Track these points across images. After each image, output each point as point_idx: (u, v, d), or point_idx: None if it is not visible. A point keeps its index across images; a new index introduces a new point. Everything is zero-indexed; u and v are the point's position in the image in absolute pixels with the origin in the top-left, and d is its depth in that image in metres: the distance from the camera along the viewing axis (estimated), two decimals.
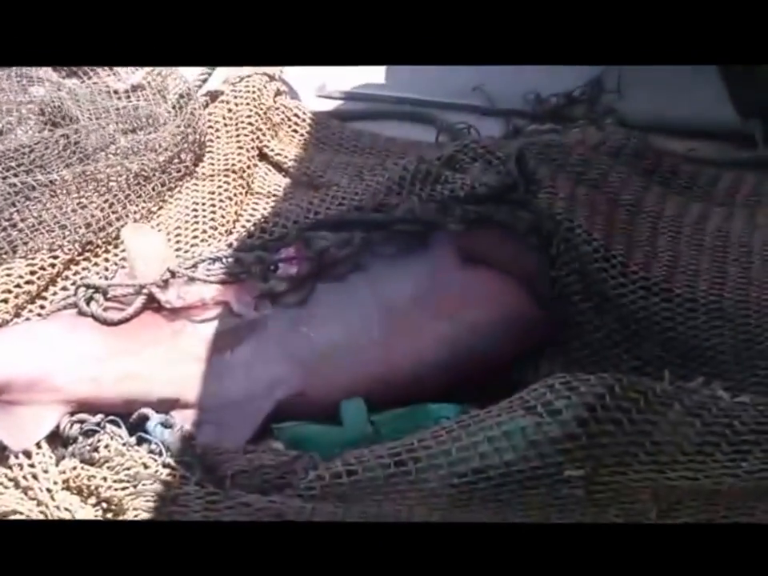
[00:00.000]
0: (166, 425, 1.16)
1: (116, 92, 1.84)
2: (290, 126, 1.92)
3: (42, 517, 1.04)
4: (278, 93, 1.94)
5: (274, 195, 1.76)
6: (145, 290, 1.25)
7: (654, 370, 1.30)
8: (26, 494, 1.07)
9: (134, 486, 1.04)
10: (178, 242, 1.57)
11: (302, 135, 1.91)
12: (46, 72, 1.82)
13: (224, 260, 1.32)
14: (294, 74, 2.11)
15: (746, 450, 0.95)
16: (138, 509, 1.02)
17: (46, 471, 1.07)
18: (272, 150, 1.84)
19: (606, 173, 1.51)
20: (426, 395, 1.23)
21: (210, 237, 1.59)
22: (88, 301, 1.24)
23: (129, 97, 1.83)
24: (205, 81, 1.96)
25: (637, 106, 2.16)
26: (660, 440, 0.98)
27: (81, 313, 1.24)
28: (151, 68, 1.88)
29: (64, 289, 1.39)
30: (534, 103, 2.13)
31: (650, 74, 2.35)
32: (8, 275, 1.38)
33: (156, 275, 1.27)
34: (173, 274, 1.27)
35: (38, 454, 1.10)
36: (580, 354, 1.36)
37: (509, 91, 2.18)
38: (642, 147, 1.64)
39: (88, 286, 1.26)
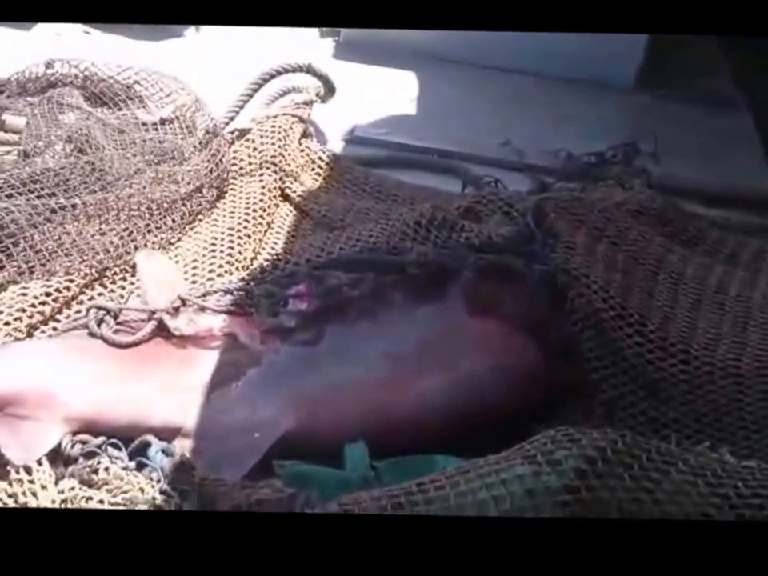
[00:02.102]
0: (166, 452, 1.22)
1: (144, 124, 1.96)
2: (313, 169, 2.03)
3: None
4: (304, 135, 2.05)
5: (294, 236, 1.85)
6: (156, 316, 1.33)
7: (669, 433, 1.35)
8: None
9: None
10: (194, 275, 1.65)
11: (324, 179, 2.01)
12: (77, 100, 1.95)
13: (235, 292, 1.40)
14: (323, 118, 2.24)
15: (750, 514, 0.99)
16: None
17: (44, 488, 1.13)
18: (294, 192, 1.94)
19: (628, 231, 1.58)
20: (427, 441, 1.27)
21: (226, 272, 1.67)
22: (99, 322, 1.32)
23: (156, 130, 1.95)
24: (232, 118, 2.08)
25: (671, 170, 2.25)
26: (662, 498, 1.02)
27: (91, 334, 1.32)
28: (181, 103, 2.02)
29: (78, 312, 1.47)
30: (564, 161, 2.23)
31: (688, 138, 2.46)
32: (23, 295, 1.46)
33: (167, 302, 1.35)
34: (183, 302, 1.35)
35: (38, 470, 1.15)
36: (593, 412, 1.41)
37: (541, 148, 2.29)
38: (667, 209, 1.72)
39: (100, 308, 1.34)
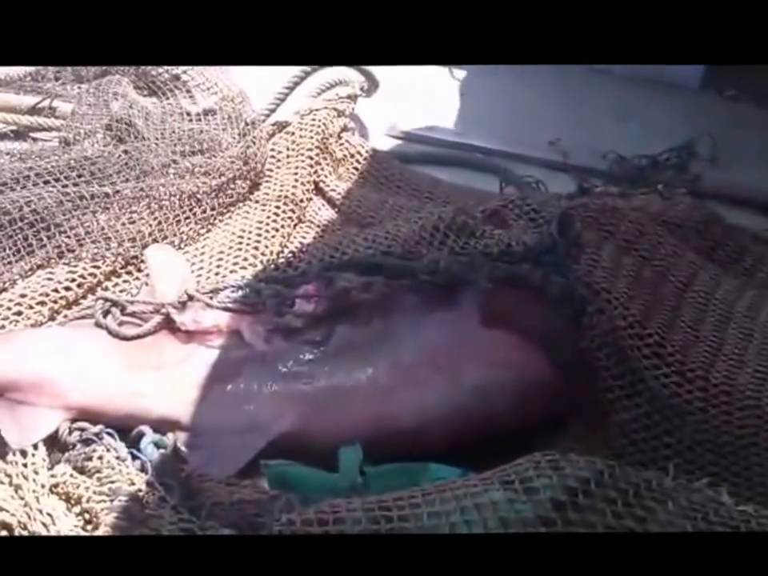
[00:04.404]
0: (158, 445, 1.23)
1: (188, 114, 1.98)
2: (351, 164, 2.00)
3: (25, 517, 1.13)
4: (344, 128, 2.03)
5: (323, 231, 1.84)
6: (162, 310, 1.34)
7: (682, 462, 1.28)
8: (16, 492, 1.16)
9: (111, 501, 1.11)
10: (218, 266, 1.66)
11: (361, 173, 1.99)
12: (125, 89, 1.98)
13: (243, 289, 1.40)
14: (367, 112, 2.21)
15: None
16: (109, 525, 1.09)
17: (36, 473, 1.16)
18: (328, 186, 1.92)
19: (659, 245, 1.49)
20: (427, 451, 1.25)
21: (250, 265, 1.67)
22: (105, 314, 1.35)
23: (199, 120, 1.97)
24: (273, 110, 2.07)
25: (733, 175, 2.11)
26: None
27: (97, 325, 1.34)
28: (225, 94, 2.02)
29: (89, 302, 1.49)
30: (611, 163, 2.13)
31: (756, 142, 2.30)
32: (49, 279, 1.50)
33: (175, 297, 1.36)
34: (190, 298, 1.36)
35: (33, 454, 1.19)
36: (604, 433, 1.35)
37: (596, 148, 2.19)
38: (708, 221, 1.61)
39: (107, 300, 1.36)
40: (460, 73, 2.49)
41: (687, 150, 2.16)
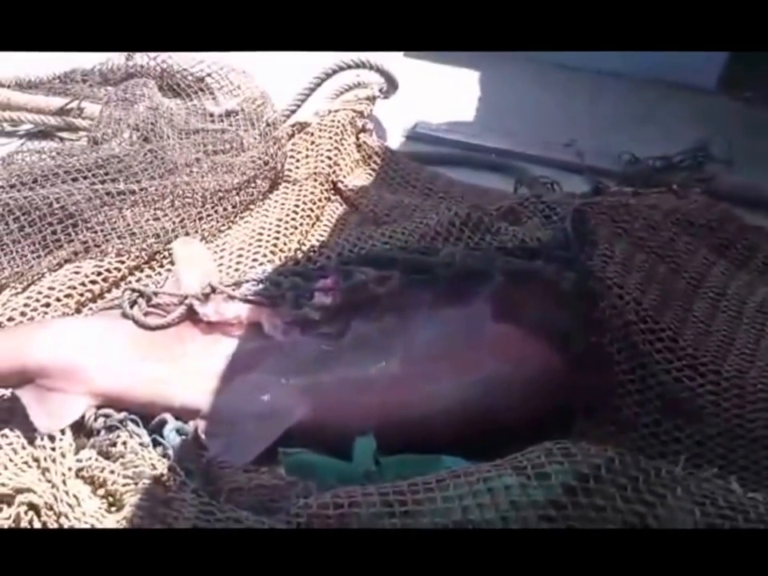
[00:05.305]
0: (180, 432, 1.27)
1: (211, 115, 2.02)
2: (368, 164, 2.04)
3: (52, 499, 1.16)
4: (363, 129, 2.07)
5: (341, 229, 1.87)
6: (186, 302, 1.38)
7: (693, 457, 1.29)
8: (43, 474, 1.19)
9: (135, 484, 1.15)
10: (238, 262, 1.70)
11: (378, 174, 2.02)
12: (150, 90, 2.03)
13: (264, 282, 1.43)
14: (386, 113, 2.24)
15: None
16: (134, 506, 1.12)
17: (63, 456, 1.20)
18: (346, 186, 1.96)
19: (672, 242, 1.51)
20: (436, 442, 1.27)
21: (269, 262, 1.70)
22: (132, 304, 1.39)
23: (222, 120, 2.01)
24: (294, 111, 2.11)
25: (742, 179, 2.12)
26: (652, 524, 0.97)
27: (124, 315, 1.38)
28: (247, 96, 2.07)
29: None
30: (626, 164, 2.14)
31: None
32: (76, 273, 1.55)
33: (199, 289, 1.40)
34: (213, 290, 1.39)
35: (60, 439, 1.22)
36: (614, 427, 1.36)
37: (609, 150, 2.21)
38: (722, 220, 1.62)
39: (134, 290, 1.40)
40: (475, 74, 2.52)
41: (702, 152, 2.18)
